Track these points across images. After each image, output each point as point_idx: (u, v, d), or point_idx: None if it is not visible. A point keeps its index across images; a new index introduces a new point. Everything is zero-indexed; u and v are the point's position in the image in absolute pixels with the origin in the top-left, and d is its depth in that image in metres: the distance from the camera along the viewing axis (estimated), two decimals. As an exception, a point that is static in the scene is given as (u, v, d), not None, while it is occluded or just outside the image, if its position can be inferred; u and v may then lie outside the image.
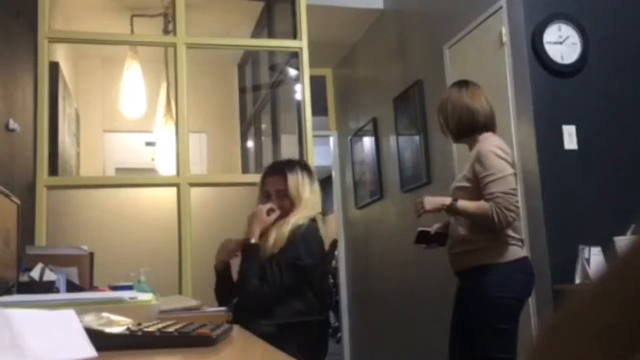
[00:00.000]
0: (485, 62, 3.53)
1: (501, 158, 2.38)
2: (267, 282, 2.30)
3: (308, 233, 2.40)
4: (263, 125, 5.43)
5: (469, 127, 2.51)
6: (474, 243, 2.43)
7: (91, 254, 2.35)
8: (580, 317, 0.48)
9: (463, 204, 2.42)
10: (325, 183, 8.89)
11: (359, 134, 5.54)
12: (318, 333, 2.43)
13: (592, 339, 0.46)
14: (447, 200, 2.46)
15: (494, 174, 2.37)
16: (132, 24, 4.76)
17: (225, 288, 2.51)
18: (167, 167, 4.54)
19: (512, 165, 2.42)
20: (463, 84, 2.62)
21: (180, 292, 3.24)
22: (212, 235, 3.52)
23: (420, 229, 2.69)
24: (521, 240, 2.46)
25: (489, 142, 2.46)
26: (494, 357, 2.35)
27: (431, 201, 2.51)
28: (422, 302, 4.30)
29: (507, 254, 2.38)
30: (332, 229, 5.98)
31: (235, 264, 2.50)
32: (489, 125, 2.52)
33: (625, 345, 0.44)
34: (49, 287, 1.78)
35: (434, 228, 2.65)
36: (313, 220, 2.47)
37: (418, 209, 2.51)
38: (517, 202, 2.36)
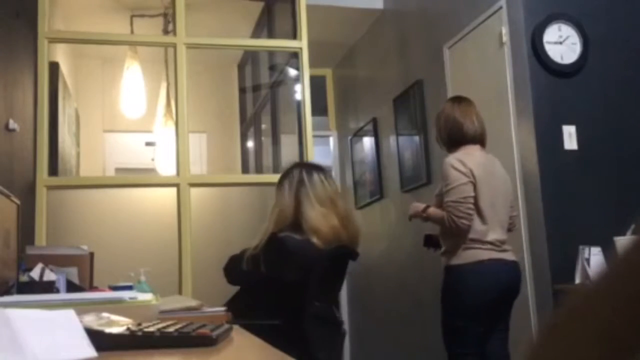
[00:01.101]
0: (485, 62, 3.53)
1: (456, 169, 2.59)
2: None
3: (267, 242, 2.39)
4: (263, 125, 5.43)
5: (458, 139, 2.71)
6: (445, 246, 2.68)
7: (91, 254, 2.34)
8: (580, 316, 0.48)
9: (429, 211, 2.71)
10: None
11: (359, 134, 5.54)
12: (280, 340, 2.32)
13: (592, 338, 0.46)
14: (421, 207, 2.74)
15: (448, 184, 2.60)
16: (132, 24, 4.76)
17: None
18: (167, 167, 4.54)
19: (469, 174, 2.59)
20: (456, 100, 2.86)
21: (180, 292, 3.23)
22: (212, 235, 3.53)
23: (426, 233, 2.89)
24: (487, 242, 2.60)
25: (454, 155, 2.68)
26: (450, 351, 2.62)
27: (413, 207, 2.82)
28: (422, 302, 4.30)
29: (465, 256, 2.58)
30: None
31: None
32: (476, 139, 2.72)
33: (626, 345, 0.44)
34: (49, 287, 1.78)
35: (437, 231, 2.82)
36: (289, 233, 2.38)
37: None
38: (468, 208, 2.56)
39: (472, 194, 2.57)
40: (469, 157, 2.64)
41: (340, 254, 2.42)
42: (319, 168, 2.53)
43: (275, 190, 2.54)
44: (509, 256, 2.65)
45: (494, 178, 2.68)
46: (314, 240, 2.32)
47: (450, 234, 2.61)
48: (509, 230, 2.78)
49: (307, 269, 2.32)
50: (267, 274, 2.33)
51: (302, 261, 2.32)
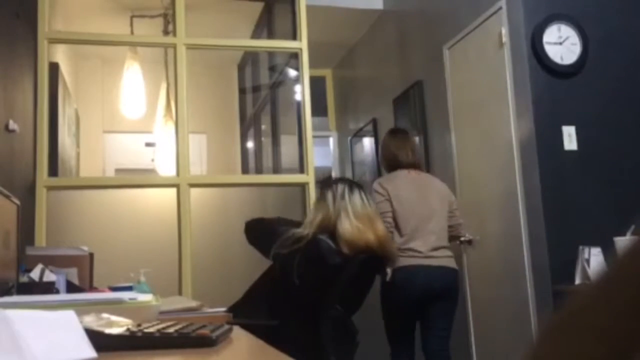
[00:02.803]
0: (485, 62, 3.53)
1: (376, 191, 3.10)
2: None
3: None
4: (263, 126, 5.44)
5: (395, 166, 3.22)
6: None
7: (91, 255, 2.34)
8: (581, 318, 0.47)
9: None
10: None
11: (359, 134, 5.54)
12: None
13: (592, 340, 0.46)
14: None
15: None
16: (132, 25, 4.76)
17: None
18: (167, 168, 4.54)
19: (385, 194, 3.05)
20: (393, 133, 3.40)
21: (180, 293, 3.23)
22: (212, 235, 3.53)
23: None
24: (409, 250, 2.98)
25: (378, 179, 3.25)
26: (391, 349, 3.12)
27: None
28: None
29: (396, 263, 2.92)
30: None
31: None
32: (409, 165, 3.19)
33: (626, 347, 0.44)
34: (48, 287, 1.78)
35: None
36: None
37: None
38: (384, 222, 2.84)
39: (389, 209, 3.03)
40: (391, 179, 3.15)
41: (369, 262, 2.48)
42: (361, 187, 2.65)
43: (316, 200, 2.66)
44: (436, 262, 2.98)
45: (422, 194, 3.09)
46: (345, 251, 2.41)
47: None
48: (455, 236, 3.23)
49: (331, 273, 2.38)
50: (298, 275, 2.35)
51: (328, 265, 2.39)
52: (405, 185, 3.12)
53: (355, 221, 2.46)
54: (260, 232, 2.61)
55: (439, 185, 3.23)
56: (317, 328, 2.37)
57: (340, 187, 2.55)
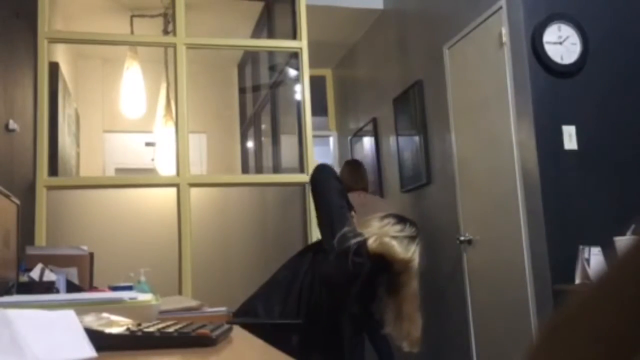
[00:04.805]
0: (485, 62, 3.53)
1: None
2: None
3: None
4: (263, 126, 5.44)
5: (349, 189, 3.63)
6: None
7: (91, 254, 2.34)
8: (580, 318, 0.47)
9: None
10: (325, 183, 8.90)
11: (359, 134, 5.54)
12: (295, 342, 2.29)
13: (592, 339, 0.46)
14: None
15: None
16: (132, 25, 4.76)
17: None
18: (167, 168, 4.54)
19: None
20: (347, 164, 4.43)
21: (180, 292, 3.23)
22: (212, 235, 3.53)
23: None
24: None
25: None
26: None
27: None
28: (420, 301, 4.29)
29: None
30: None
31: None
32: (359, 188, 4.12)
33: (626, 346, 0.44)
34: (48, 287, 1.78)
35: None
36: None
37: None
38: None
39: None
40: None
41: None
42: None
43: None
44: None
45: (365, 211, 3.16)
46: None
47: None
48: None
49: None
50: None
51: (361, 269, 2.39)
52: (354, 203, 3.62)
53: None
54: (322, 199, 2.54)
55: (380, 204, 3.98)
56: (340, 327, 2.38)
57: (419, 249, 2.54)
